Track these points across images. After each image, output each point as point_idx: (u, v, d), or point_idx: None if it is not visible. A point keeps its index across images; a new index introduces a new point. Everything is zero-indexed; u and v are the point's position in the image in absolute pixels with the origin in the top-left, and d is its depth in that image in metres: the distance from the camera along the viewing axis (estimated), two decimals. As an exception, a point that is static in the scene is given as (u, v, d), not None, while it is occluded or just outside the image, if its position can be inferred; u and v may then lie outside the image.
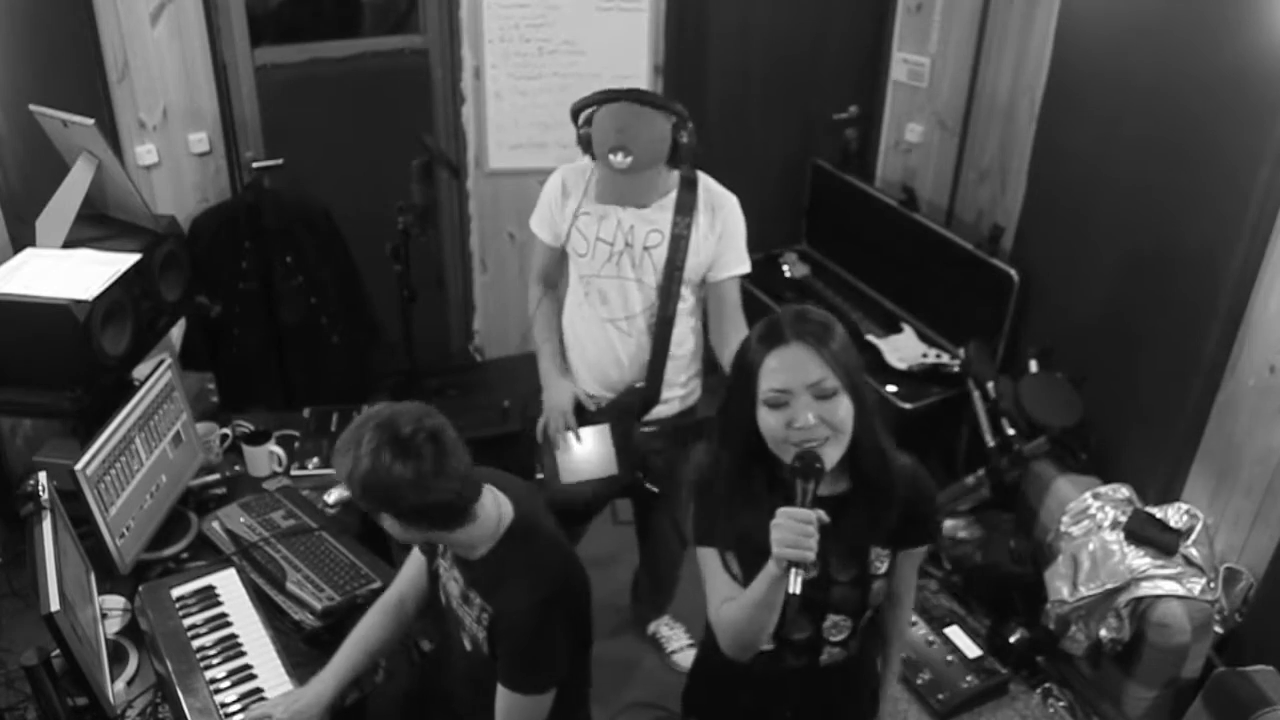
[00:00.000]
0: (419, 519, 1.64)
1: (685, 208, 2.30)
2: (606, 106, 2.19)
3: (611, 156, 2.15)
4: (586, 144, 2.24)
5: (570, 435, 2.45)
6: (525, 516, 1.78)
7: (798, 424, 1.41)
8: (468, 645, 1.83)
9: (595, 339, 2.44)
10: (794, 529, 1.35)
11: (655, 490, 2.56)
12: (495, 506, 1.75)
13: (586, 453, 2.46)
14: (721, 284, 2.38)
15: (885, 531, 1.55)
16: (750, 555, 1.47)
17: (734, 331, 2.38)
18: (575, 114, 2.26)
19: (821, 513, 1.37)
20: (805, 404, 1.41)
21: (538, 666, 1.72)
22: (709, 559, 1.55)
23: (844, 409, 1.42)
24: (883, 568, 1.57)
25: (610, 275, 2.36)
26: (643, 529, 2.83)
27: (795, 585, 1.36)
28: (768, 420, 1.44)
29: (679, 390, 2.48)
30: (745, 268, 2.39)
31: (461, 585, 1.80)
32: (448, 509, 1.64)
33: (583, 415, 2.47)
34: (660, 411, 2.48)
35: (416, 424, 1.59)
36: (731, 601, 1.50)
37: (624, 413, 2.46)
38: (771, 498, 1.44)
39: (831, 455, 1.43)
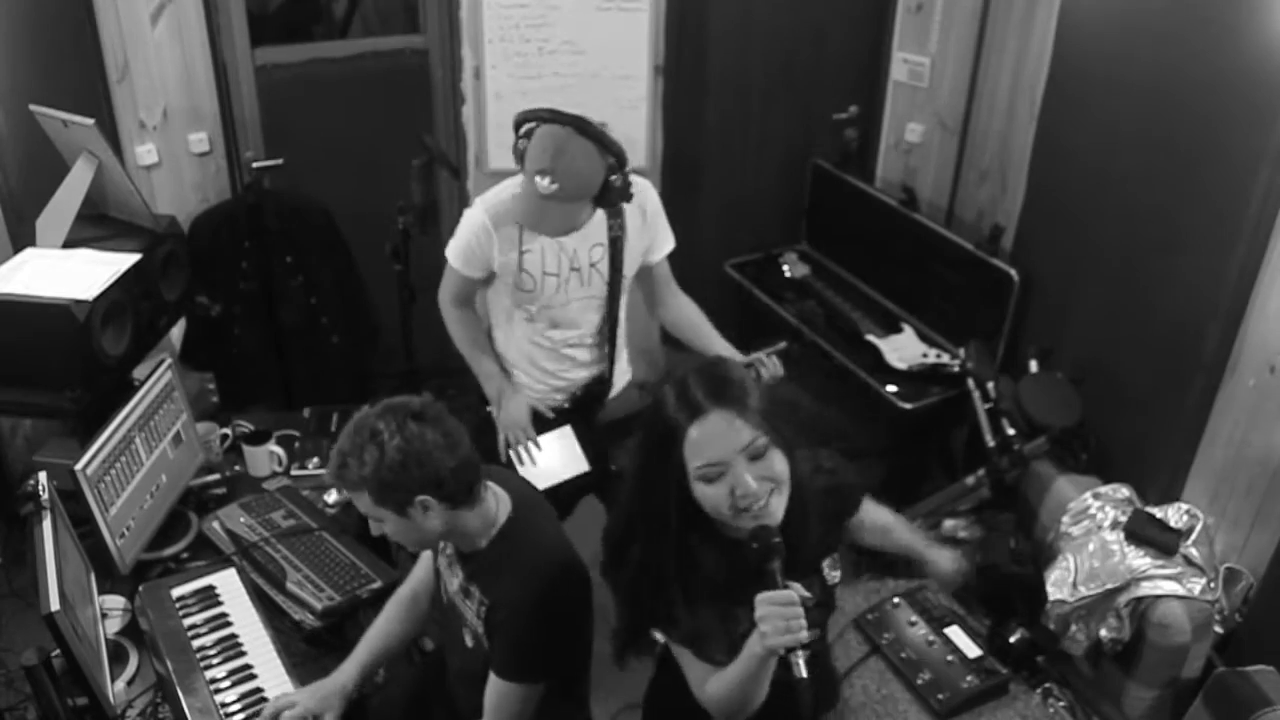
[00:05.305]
0: (452, 486, 1.64)
1: (615, 209, 2.28)
2: (548, 126, 2.09)
3: (539, 179, 2.06)
4: (520, 156, 2.15)
5: (533, 447, 2.43)
6: (523, 511, 1.80)
7: (739, 491, 1.36)
8: (469, 641, 1.83)
9: (553, 359, 2.43)
10: (779, 614, 1.30)
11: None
12: (494, 499, 1.78)
13: (554, 458, 2.44)
14: (657, 265, 2.45)
15: (822, 546, 1.56)
16: (723, 638, 1.43)
17: (674, 299, 2.51)
18: (518, 125, 2.16)
19: (799, 586, 1.34)
20: (742, 469, 1.35)
21: (529, 655, 1.72)
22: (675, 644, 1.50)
23: (779, 461, 1.38)
24: (837, 575, 1.57)
25: (561, 303, 2.34)
26: None
27: (801, 669, 1.31)
28: (707, 494, 1.38)
29: (624, 365, 2.55)
30: (673, 242, 2.45)
31: (461, 579, 1.81)
32: (474, 471, 1.68)
33: (542, 422, 2.46)
34: (613, 393, 2.52)
35: (423, 401, 1.67)
36: (716, 678, 1.45)
37: (582, 407, 2.47)
38: (729, 573, 1.41)
39: (777, 506, 1.39)
